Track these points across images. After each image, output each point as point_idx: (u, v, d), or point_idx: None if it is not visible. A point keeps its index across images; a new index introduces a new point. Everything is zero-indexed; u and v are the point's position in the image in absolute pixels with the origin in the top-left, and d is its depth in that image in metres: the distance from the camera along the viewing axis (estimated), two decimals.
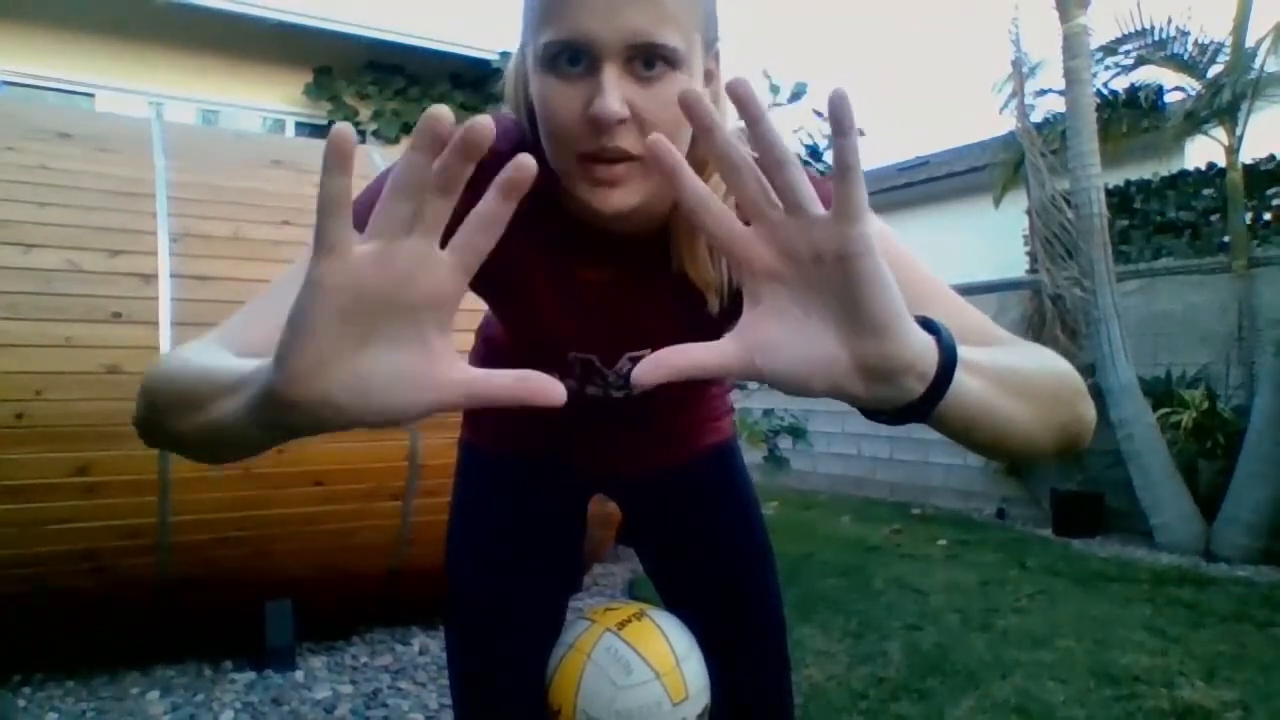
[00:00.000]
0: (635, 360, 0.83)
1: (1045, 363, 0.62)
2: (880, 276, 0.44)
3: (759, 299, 0.46)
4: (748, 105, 0.43)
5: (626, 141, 0.64)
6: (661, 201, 0.70)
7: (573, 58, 0.63)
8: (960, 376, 0.48)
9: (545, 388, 0.43)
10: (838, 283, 0.44)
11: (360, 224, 0.42)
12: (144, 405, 0.60)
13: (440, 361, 0.43)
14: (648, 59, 0.63)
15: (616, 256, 0.77)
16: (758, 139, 0.43)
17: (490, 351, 1.02)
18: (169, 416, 0.56)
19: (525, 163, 0.41)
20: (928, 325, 0.48)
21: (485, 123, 0.39)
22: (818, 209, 0.44)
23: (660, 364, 0.44)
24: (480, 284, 0.78)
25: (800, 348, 0.45)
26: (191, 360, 0.56)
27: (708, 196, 0.45)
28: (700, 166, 0.54)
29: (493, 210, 0.42)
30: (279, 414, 0.44)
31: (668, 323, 0.79)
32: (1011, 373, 0.56)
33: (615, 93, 0.62)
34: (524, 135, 0.74)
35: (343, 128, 0.38)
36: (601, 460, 1.06)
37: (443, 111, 0.39)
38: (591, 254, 0.78)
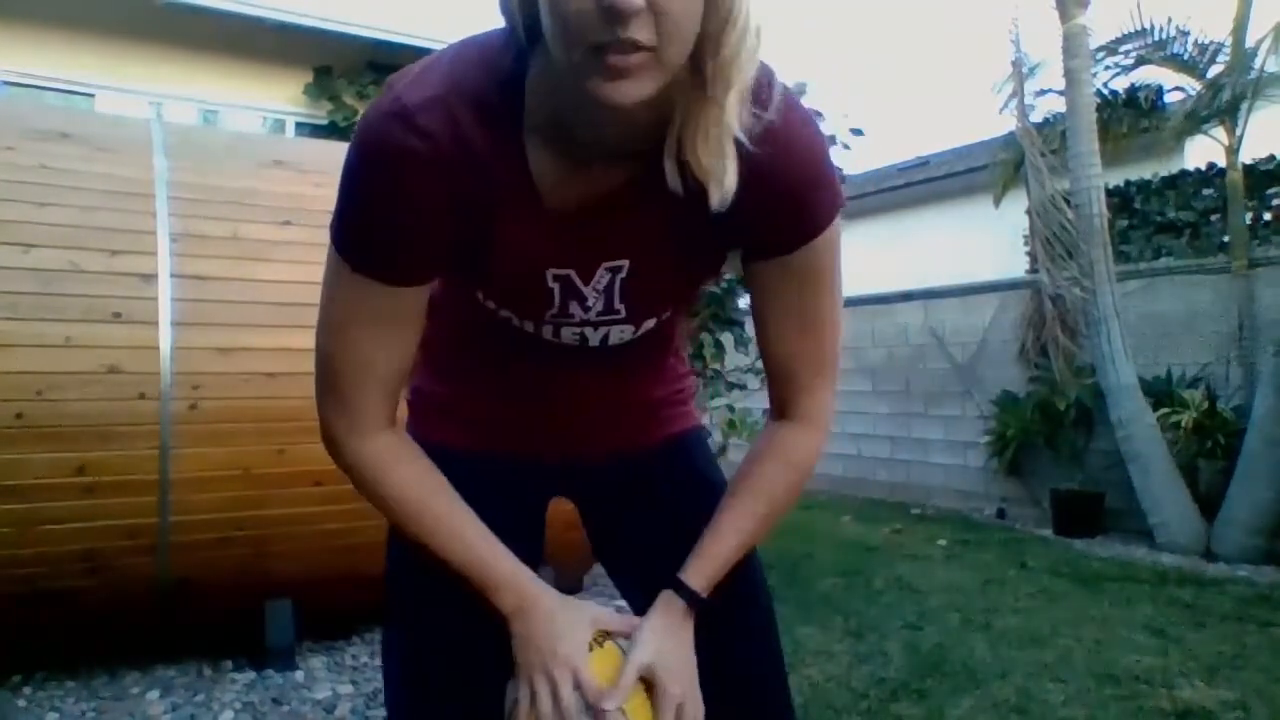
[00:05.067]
0: (613, 270, 0.81)
1: (777, 496, 0.94)
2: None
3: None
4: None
5: (641, 33, 0.61)
6: (663, 97, 0.67)
7: None
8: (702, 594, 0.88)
9: None
10: None
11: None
12: (360, 481, 0.95)
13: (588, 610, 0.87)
14: None
15: (605, 163, 0.76)
16: None
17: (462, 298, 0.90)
18: (388, 511, 0.94)
19: None
20: (685, 591, 0.87)
21: None
22: None
23: None
24: (462, 258, 0.80)
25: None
26: (437, 511, 0.89)
27: None
28: (704, 84, 0.64)
29: None
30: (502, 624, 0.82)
31: (650, 230, 0.79)
32: (748, 538, 0.92)
33: None
34: (516, 57, 0.72)
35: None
36: (564, 438, 0.99)
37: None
38: (577, 162, 0.76)
